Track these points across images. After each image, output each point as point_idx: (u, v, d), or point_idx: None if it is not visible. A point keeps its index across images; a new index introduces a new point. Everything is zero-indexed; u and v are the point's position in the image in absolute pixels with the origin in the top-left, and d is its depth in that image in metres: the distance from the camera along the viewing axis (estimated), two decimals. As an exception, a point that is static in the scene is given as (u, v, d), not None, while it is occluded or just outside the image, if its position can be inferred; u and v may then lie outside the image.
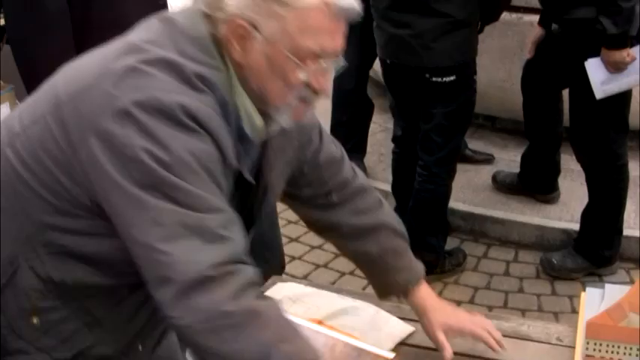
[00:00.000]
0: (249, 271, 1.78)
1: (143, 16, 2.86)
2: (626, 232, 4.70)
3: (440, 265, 4.59)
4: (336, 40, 1.87)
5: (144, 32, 1.89)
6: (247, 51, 1.84)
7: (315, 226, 2.41)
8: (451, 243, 4.86)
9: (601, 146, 4.38)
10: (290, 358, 1.76)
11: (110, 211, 1.79)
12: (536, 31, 4.80)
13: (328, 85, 1.92)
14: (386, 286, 2.37)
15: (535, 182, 5.20)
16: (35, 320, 1.92)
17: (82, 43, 2.87)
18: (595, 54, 4.13)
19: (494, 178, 5.44)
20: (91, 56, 1.96)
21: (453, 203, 4.90)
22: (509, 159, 5.72)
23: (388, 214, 2.40)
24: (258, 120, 1.94)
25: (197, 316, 1.70)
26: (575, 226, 4.74)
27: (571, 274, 4.61)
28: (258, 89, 1.88)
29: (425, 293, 2.33)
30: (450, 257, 4.71)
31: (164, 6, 2.93)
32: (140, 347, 2.08)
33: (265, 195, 2.11)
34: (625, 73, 4.13)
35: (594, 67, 4.13)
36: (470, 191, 5.36)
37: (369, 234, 2.33)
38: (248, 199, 2.05)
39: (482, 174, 5.58)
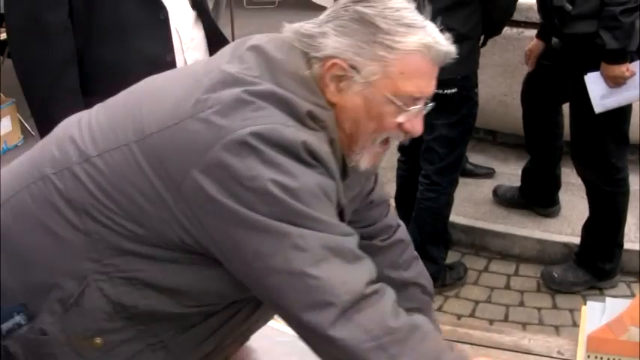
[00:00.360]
0: (390, 289, 1.80)
1: (145, 31, 2.89)
2: (627, 245, 4.69)
3: (441, 279, 4.58)
4: (431, 84, 1.88)
5: (238, 62, 1.85)
6: (342, 91, 1.84)
7: None
8: (452, 257, 4.85)
9: (601, 160, 4.38)
10: None
11: (226, 246, 1.75)
12: (535, 44, 4.81)
13: (420, 127, 1.92)
14: None
15: (536, 196, 5.20)
16: (98, 340, 1.86)
17: (84, 57, 2.89)
18: (595, 68, 4.14)
19: (495, 192, 5.44)
20: (174, 81, 1.94)
21: (454, 217, 4.91)
22: (510, 173, 5.72)
23: (422, 270, 2.40)
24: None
25: (364, 336, 1.69)
26: (576, 240, 4.73)
27: (572, 288, 4.60)
28: (349, 129, 1.87)
29: None
30: (451, 271, 4.70)
31: (165, 20, 2.93)
32: None
33: None
34: (624, 87, 4.13)
35: (594, 82, 4.14)
36: (471, 205, 5.36)
37: (400, 289, 2.27)
38: None
39: (483, 188, 5.58)
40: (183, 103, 1.79)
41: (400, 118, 1.86)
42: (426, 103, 1.92)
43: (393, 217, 2.35)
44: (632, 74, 4.10)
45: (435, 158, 4.42)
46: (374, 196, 2.27)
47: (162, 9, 2.92)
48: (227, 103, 1.74)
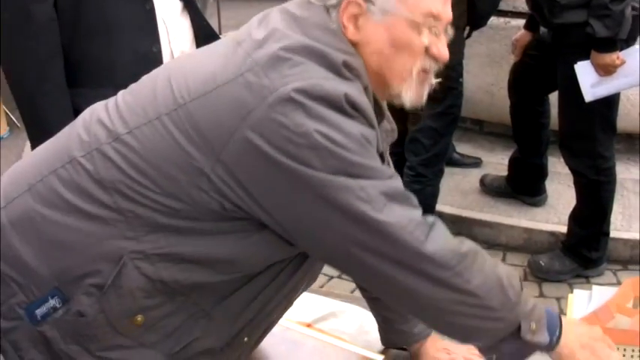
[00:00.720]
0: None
1: (131, 21, 2.88)
2: (613, 234, 4.72)
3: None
4: (447, 6, 1.89)
5: (267, 25, 1.85)
6: (363, 28, 1.84)
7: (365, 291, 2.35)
8: (439, 246, 4.85)
9: (589, 149, 4.40)
10: (509, 276, 1.87)
11: (280, 207, 1.75)
12: (522, 34, 4.83)
13: (446, 51, 1.93)
14: (397, 334, 2.35)
15: (523, 185, 5.22)
16: (140, 318, 1.83)
17: (71, 49, 2.88)
18: (584, 57, 4.15)
19: (481, 181, 5.45)
20: (203, 56, 1.94)
21: (441, 206, 4.92)
22: (496, 162, 5.75)
23: None
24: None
25: (443, 267, 1.75)
26: (563, 229, 4.75)
27: (559, 276, 4.62)
28: (376, 65, 1.87)
29: (429, 347, 2.33)
30: (439, 260, 4.70)
31: (151, 11, 2.93)
32: (246, 339, 2.01)
33: None
34: (614, 76, 4.15)
35: (584, 70, 4.15)
36: (458, 194, 5.38)
37: None
38: None
39: (470, 177, 5.59)
40: (219, 72, 1.78)
41: (425, 40, 1.86)
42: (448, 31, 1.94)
43: None
44: (622, 63, 4.12)
45: (419, 149, 4.41)
46: None
47: (148, 0, 2.91)
48: (265, 63, 1.74)
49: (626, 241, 4.82)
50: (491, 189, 5.38)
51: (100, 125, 1.87)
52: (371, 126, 1.78)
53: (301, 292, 2.14)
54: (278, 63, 1.73)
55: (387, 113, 2.07)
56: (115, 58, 2.85)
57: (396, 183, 1.79)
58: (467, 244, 1.83)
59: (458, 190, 5.43)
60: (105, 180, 1.80)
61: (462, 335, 1.93)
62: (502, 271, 1.86)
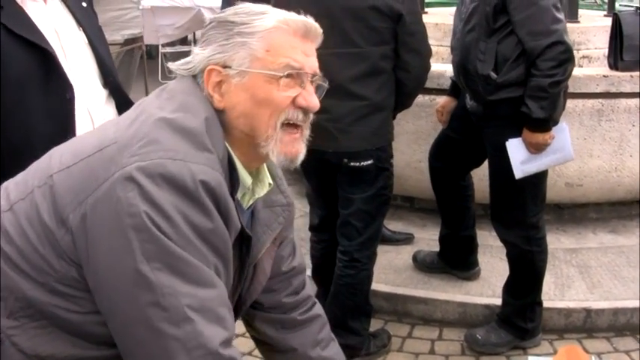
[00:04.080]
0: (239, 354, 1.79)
1: (49, 110, 2.81)
2: (548, 303, 4.76)
3: (365, 348, 4.53)
4: (308, 57, 1.94)
5: (138, 105, 1.93)
6: (226, 94, 1.90)
7: (270, 346, 2.36)
8: (375, 324, 4.83)
9: (521, 220, 4.43)
10: None
11: (101, 290, 1.75)
12: (447, 101, 4.95)
13: (315, 100, 1.96)
14: None
15: (455, 260, 5.24)
16: None
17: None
18: (516, 130, 4.21)
19: (414, 257, 5.46)
20: (86, 135, 2.00)
21: (375, 285, 4.89)
22: (428, 238, 5.77)
23: (338, 351, 2.40)
24: (247, 178, 1.96)
25: None
26: (497, 301, 4.77)
27: (496, 349, 4.62)
28: (244, 126, 1.91)
29: None
30: (375, 339, 4.67)
31: (70, 100, 2.87)
32: None
33: (255, 274, 2.10)
34: (544, 153, 4.22)
35: (515, 148, 4.21)
36: (391, 272, 5.37)
37: None
38: (241, 275, 2.04)
39: (403, 254, 5.61)
40: (89, 146, 1.85)
41: (288, 92, 1.91)
42: (316, 84, 1.98)
43: (310, 288, 2.36)
44: (552, 140, 4.20)
45: (353, 233, 4.35)
46: (295, 263, 2.27)
47: (69, 88, 2.86)
48: (125, 141, 1.79)
49: (560, 310, 4.86)
50: (424, 265, 5.39)
51: None
52: (219, 210, 1.79)
53: None
54: (133, 141, 1.78)
55: (283, 187, 2.09)
56: (33, 148, 2.78)
57: (209, 296, 1.75)
58: None
59: (391, 267, 5.43)
60: None
61: None
62: None
